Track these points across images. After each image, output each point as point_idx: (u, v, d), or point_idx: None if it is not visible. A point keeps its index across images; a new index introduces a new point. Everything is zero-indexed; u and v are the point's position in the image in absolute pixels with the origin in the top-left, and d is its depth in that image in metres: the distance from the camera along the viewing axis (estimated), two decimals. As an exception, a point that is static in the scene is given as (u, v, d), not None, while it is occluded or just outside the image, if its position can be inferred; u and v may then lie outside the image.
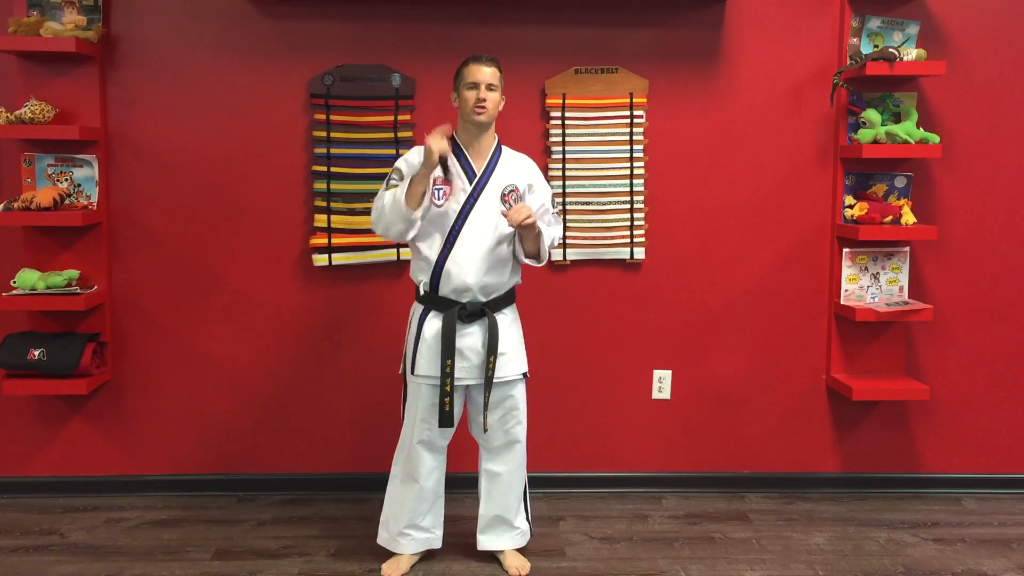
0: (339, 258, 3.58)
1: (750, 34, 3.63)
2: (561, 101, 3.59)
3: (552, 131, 3.61)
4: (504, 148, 3.03)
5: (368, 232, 3.58)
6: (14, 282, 3.41)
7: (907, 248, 3.68)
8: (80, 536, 3.35)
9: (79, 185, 3.51)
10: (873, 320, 3.56)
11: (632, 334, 3.73)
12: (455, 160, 2.96)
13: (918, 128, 3.54)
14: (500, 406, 3.03)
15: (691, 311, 3.73)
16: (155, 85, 3.55)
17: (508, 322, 3.01)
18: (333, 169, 3.54)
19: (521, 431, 3.08)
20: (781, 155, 3.69)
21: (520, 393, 3.06)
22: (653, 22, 3.61)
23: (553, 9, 3.57)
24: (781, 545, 3.33)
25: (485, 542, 3.13)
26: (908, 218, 3.59)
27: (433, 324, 2.94)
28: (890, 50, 3.45)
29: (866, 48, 3.59)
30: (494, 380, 2.95)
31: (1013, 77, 3.68)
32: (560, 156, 3.61)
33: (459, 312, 2.92)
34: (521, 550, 3.16)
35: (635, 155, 3.62)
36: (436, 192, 2.93)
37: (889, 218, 3.57)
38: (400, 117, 3.56)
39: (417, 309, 3.00)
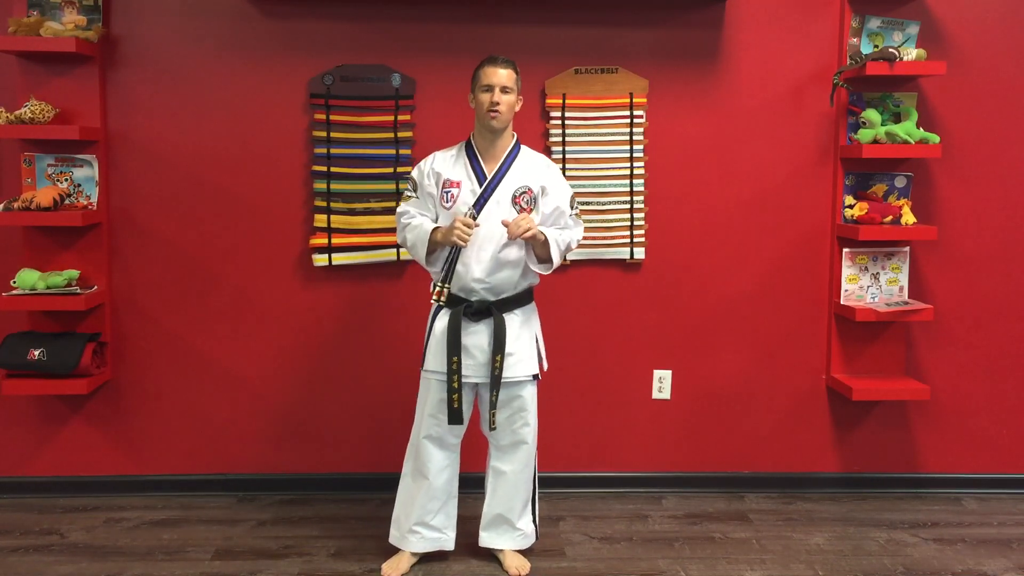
0: (339, 258, 3.58)
1: (750, 34, 3.63)
2: (561, 101, 3.59)
3: (552, 131, 3.61)
4: (524, 149, 3.03)
5: (368, 232, 3.59)
6: (14, 282, 3.41)
7: (907, 248, 3.69)
8: (80, 536, 3.35)
9: (79, 185, 3.51)
10: (873, 320, 3.56)
11: (632, 334, 3.73)
12: (467, 162, 2.97)
13: (918, 128, 3.54)
14: (508, 406, 3.02)
15: (691, 311, 3.73)
16: (155, 85, 3.55)
17: (518, 323, 3.00)
18: (333, 169, 3.54)
19: (528, 433, 3.07)
20: (781, 155, 3.69)
21: (529, 394, 3.05)
22: (653, 22, 3.61)
23: (553, 9, 3.57)
24: (781, 545, 3.33)
25: (486, 539, 3.13)
26: (908, 218, 3.59)
27: (442, 321, 2.97)
28: (890, 50, 3.45)
29: (866, 48, 3.59)
30: (502, 380, 2.95)
31: (1013, 77, 3.68)
32: (560, 156, 3.61)
33: (465, 310, 2.93)
34: (522, 550, 3.16)
35: (635, 155, 3.62)
36: (445, 195, 2.96)
37: (889, 218, 3.57)
38: (400, 117, 3.56)
39: (433, 307, 3.04)
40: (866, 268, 3.67)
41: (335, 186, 3.55)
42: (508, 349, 2.95)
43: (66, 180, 3.51)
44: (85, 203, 3.51)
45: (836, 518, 3.57)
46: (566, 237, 3.00)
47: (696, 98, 3.65)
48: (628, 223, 3.65)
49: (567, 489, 3.76)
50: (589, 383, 3.74)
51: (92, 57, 3.45)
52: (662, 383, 3.76)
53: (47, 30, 3.33)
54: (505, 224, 2.84)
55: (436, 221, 2.98)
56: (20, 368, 3.43)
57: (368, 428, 3.71)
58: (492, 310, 2.94)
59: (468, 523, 3.31)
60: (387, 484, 3.66)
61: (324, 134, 3.54)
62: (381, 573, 3.06)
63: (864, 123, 3.57)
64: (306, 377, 3.69)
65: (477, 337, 2.96)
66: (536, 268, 2.99)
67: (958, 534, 3.45)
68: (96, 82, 3.50)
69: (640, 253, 3.67)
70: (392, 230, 3.58)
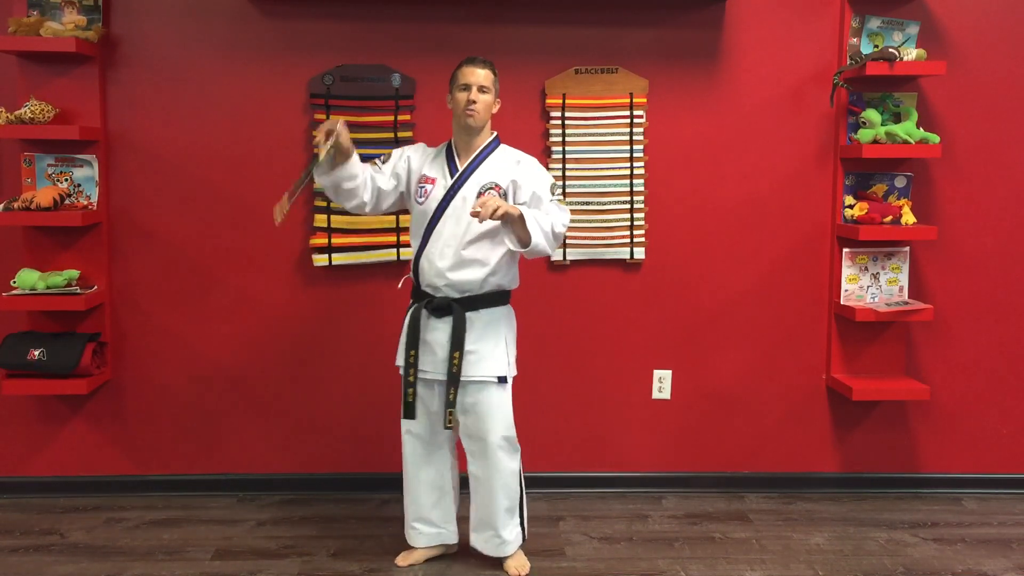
0: (339, 258, 3.58)
1: (750, 34, 3.63)
2: (561, 101, 3.59)
3: (552, 131, 3.61)
4: (502, 147, 3.02)
5: (368, 232, 3.59)
6: (14, 282, 3.41)
7: (907, 248, 3.68)
8: (80, 536, 3.35)
9: (79, 185, 3.51)
10: (873, 320, 3.56)
11: (632, 334, 3.73)
12: (444, 161, 2.99)
13: (918, 128, 3.54)
14: (474, 409, 2.96)
15: (691, 311, 3.73)
16: (155, 85, 3.55)
17: (484, 322, 2.94)
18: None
19: (497, 437, 2.97)
20: (781, 155, 3.69)
21: (496, 397, 2.96)
22: (653, 22, 3.61)
23: (553, 9, 3.57)
24: (781, 545, 3.33)
25: (473, 540, 3.12)
26: (908, 218, 3.59)
27: (409, 316, 3.00)
28: (890, 50, 3.45)
29: (866, 48, 3.59)
30: (460, 378, 2.91)
31: (1013, 77, 3.68)
32: (560, 156, 3.61)
33: (426, 305, 2.94)
34: (522, 549, 3.14)
35: (635, 155, 3.62)
36: (419, 190, 2.98)
37: (889, 218, 3.57)
38: (400, 117, 3.56)
39: (410, 303, 3.05)
40: (866, 268, 3.67)
41: (335, 186, 3.54)
42: (469, 347, 2.91)
43: (66, 180, 3.51)
44: (85, 203, 3.51)
45: (836, 518, 3.57)
46: (551, 220, 2.89)
47: (696, 98, 3.65)
48: (628, 223, 3.65)
49: (567, 489, 3.76)
50: (589, 383, 3.74)
51: (92, 57, 3.45)
52: (662, 383, 3.76)
53: (47, 30, 3.33)
54: (475, 214, 2.75)
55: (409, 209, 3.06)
56: (20, 368, 3.43)
57: (368, 428, 3.71)
58: (453, 307, 2.91)
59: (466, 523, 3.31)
60: (387, 484, 3.67)
61: (324, 134, 3.54)
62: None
63: (864, 123, 3.57)
64: (306, 377, 3.69)
65: (437, 333, 2.94)
66: (520, 250, 2.87)
67: (958, 534, 3.45)
68: (96, 82, 3.50)
69: (640, 253, 3.67)
70: (392, 230, 3.59)
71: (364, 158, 3.53)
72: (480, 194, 2.90)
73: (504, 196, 2.92)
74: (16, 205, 3.33)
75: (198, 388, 3.68)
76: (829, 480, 3.82)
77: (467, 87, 2.90)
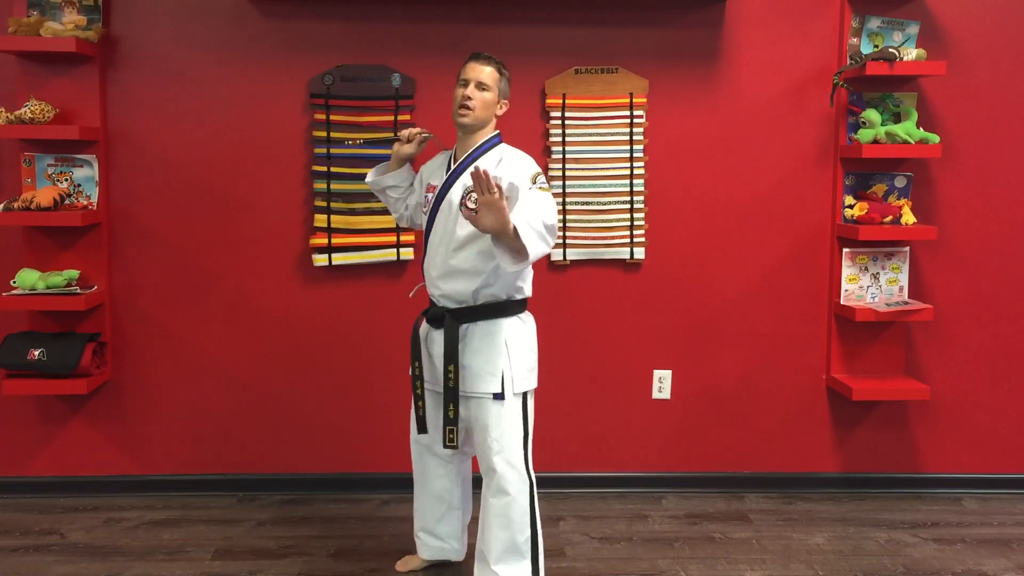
0: (339, 258, 3.58)
1: (750, 34, 3.63)
2: (561, 101, 3.59)
3: (552, 131, 3.61)
4: (499, 147, 2.79)
5: (368, 232, 3.59)
6: (14, 282, 3.41)
7: (907, 248, 3.69)
8: (80, 536, 3.35)
9: (79, 185, 3.51)
10: (873, 320, 3.56)
11: (632, 334, 3.73)
12: (446, 164, 2.87)
13: (918, 128, 3.54)
14: (475, 427, 2.80)
15: (691, 311, 3.73)
16: (155, 85, 3.55)
17: (479, 335, 2.75)
18: (333, 169, 3.54)
19: (496, 458, 2.73)
20: (781, 155, 3.69)
21: (493, 416, 2.74)
22: (653, 22, 3.61)
23: (553, 9, 3.57)
24: (781, 545, 3.33)
25: (476, 567, 2.85)
26: (908, 218, 3.60)
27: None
28: (890, 50, 3.45)
29: (866, 48, 3.59)
30: (459, 393, 2.74)
31: (1013, 77, 3.68)
32: (560, 156, 3.61)
33: (426, 315, 2.84)
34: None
35: (635, 155, 3.62)
36: (425, 199, 2.88)
37: (889, 218, 3.57)
38: (400, 117, 3.56)
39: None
40: (866, 268, 3.67)
41: (335, 186, 3.55)
42: (464, 361, 2.74)
43: (66, 180, 3.51)
44: (85, 203, 3.51)
45: (836, 518, 3.57)
46: (536, 216, 2.52)
47: (696, 98, 3.65)
48: (628, 223, 3.65)
49: (567, 489, 3.76)
50: (589, 383, 3.74)
51: (92, 57, 3.45)
52: (662, 383, 3.76)
53: (47, 30, 3.33)
54: (470, 217, 2.48)
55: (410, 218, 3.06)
56: (20, 368, 3.43)
57: (368, 428, 3.71)
58: (445, 318, 2.75)
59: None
60: (387, 484, 3.68)
61: (324, 134, 3.54)
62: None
63: (864, 123, 3.57)
64: (306, 377, 3.69)
65: (436, 346, 2.80)
66: (513, 267, 2.52)
67: (958, 534, 3.45)
68: (96, 82, 3.50)
69: (640, 253, 3.67)
70: (392, 230, 3.59)
71: (365, 159, 3.56)
72: (463, 199, 2.71)
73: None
74: (16, 205, 3.33)
75: (198, 388, 3.68)
76: (829, 480, 3.82)
77: (465, 82, 2.74)
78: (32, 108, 3.33)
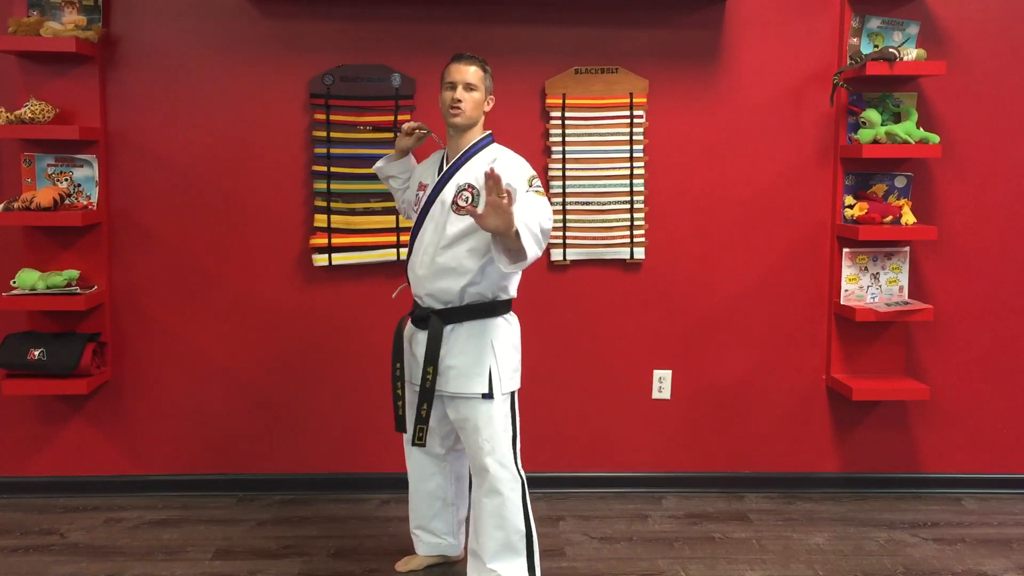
0: (339, 258, 3.58)
1: (750, 34, 3.63)
2: (561, 101, 3.59)
3: (552, 131, 3.61)
4: (492, 147, 2.82)
5: (368, 232, 3.59)
6: (14, 282, 3.41)
7: (907, 248, 3.69)
8: (80, 536, 3.35)
9: (79, 185, 3.51)
10: (873, 320, 3.56)
11: (632, 334, 3.73)
12: (435, 164, 2.91)
13: (918, 128, 3.54)
14: (462, 428, 2.82)
15: (691, 311, 3.73)
16: (155, 85, 3.55)
17: (463, 336, 2.76)
18: (333, 169, 3.54)
19: (487, 459, 2.76)
20: (781, 155, 3.69)
21: (483, 417, 2.76)
22: (653, 22, 3.61)
23: (553, 9, 3.57)
24: (781, 545, 3.33)
25: (469, 569, 2.90)
26: (908, 218, 3.60)
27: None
28: (890, 50, 3.45)
29: (866, 48, 3.59)
30: (442, 394, 2.79)
31: (1013, 77, 3.68)
32: (560, 156, 3.61)
33: (409, 316, 2.87)
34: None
35: (635, 155, 3.62)
36: (416, 198, 2.90)
37: (889, 218, 3.57)
38: (400, 117, 3.56)
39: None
40: (866, 268, 3.67)
41: (335, 186, 3.55)
42: (449, 362, 2.76)
43: (66, 180, 3.51)
44: (85, 203, 3.51)
45: (836, 518, 3.57)
46: (534, 219, 2.56)
47: (696, 98, 3.65)
48: (628, 223, 3.65)
49: (567, 489, 3.76)
50: (589, 383, 3.74)
51: (92, 57, 3.45)
52: (662, 383, 3.76)
53: (47, 30, 3.33)
54: (475, 212, 2.47)
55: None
56: (20, 368, 3.43)
57: (368, 428, 3.71)
58: (430, 318, 2.76)
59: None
60: (387, 484, 3.68)
61: (324, 134, 3.54)
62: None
63: (864, 123, 3.57)
64: (306, 377, 3.69)
65: (420, 346, 2.82)
66: (509, 267, 2.56)
67: (958, 534, 3.45)
68: (96, 82, 3.50)
69: (640, 253, 3.67)
70: (392, 230, 3.59)
71: (365, 159, 3.56)
72: (455, 197, 2.74)
73: (476, 195, 2.72)
74: (16, 205, 3.33)
75: (198, 388, 3.68)
76: (829, 480, 3.82)
77: (452, 85, 2.76)
78: (32, 108, 3.33)
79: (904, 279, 3.70)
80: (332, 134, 3.54)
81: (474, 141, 2.82)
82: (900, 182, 3.66)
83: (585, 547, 3.30)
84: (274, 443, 3.72)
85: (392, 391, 2.90)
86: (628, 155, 3.62)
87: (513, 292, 2.87)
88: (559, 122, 3.60)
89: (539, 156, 3.61)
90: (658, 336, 3.74)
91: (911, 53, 3.48)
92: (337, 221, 3.56)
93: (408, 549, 3.15)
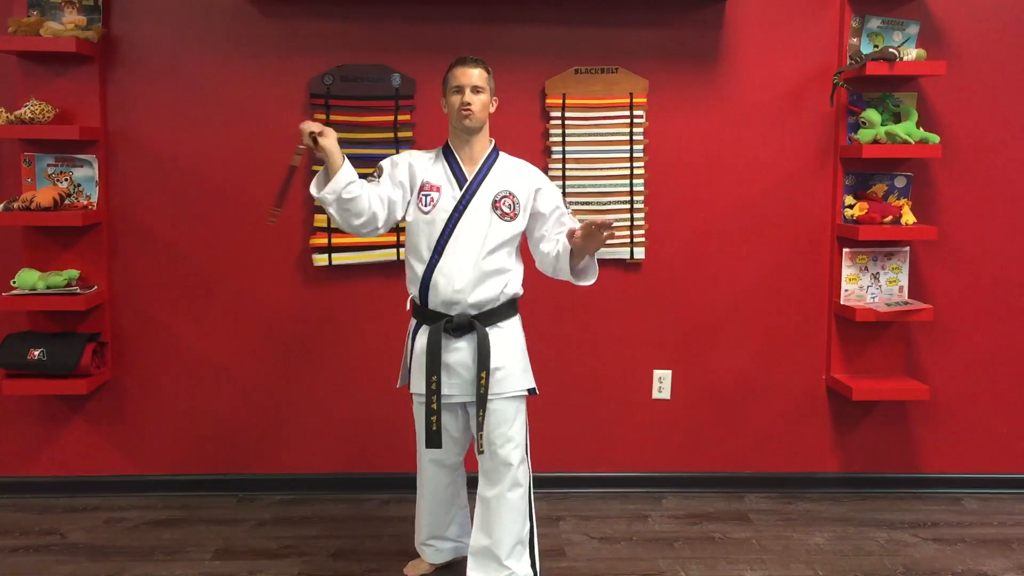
0: (339, 258, 3.58)
1: (750, 34, 3.63)
2: (561, 101, 3.59)
3: (552, 131, 3.61)
4: (502, 154, 2.89)
5: (368, 232, 3.59)
6: (14, 282, 3.41)
7: (907, 248, 3.69)
8: (80, 536, 3.35)
9: (79, 185, 3.51)
10: (873, 320, 3.56)
11: (632, 334, 3.73)
12: (446, 166, 2.83)
13: (918, 128, 3.54)
14: (495, 426, 2.80)
15: (691, 311, 3.73)
16: (155, 85, 3.55)
17: (503, 336, 2.80)
18: (333, 169, 3.54)
19: (515, 453, 2.80)
20: (781, 155, 3.69)
21: (514, 411, 2.81)
22: (653, 22, 3.61)
23: (553, 9, 3.57)
24: (781, 545, 3.33)
25: (471, 568, 2.87)
26: (908, 218, 3.60)
27: (423, 339, 2.79)
28: (890, 50, 3.45)
29: (866, 48, 3.59)
30: (489, 397, 2.76)
31: (1013, 77, 3.68)
32: (560, 156, 3.61)
33: (445, 325, 2.76)
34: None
35: (635, 155, 3.62)
36: (424, 198, 2.81)
37: (889, 218, 3.57)
38: (400, 117, 3.56)
39: (412, 323, 2.88)
40: (866, 268, 3.67)
41: (335, 186, 3.54)
42: (495, 364, 2.76)
43: (66, 180, 3.51)
44: (85, 203, 3.51)
45: (836, 518, 3.57)
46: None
47: (696, 98, 3.65)
48: (628, 223, 3.65)
49: (567, 489, 3.76)
50: (589, 383, 3.74)
51: (92, 57, 3.45)
52: (662, 383, 3.76)
53: (47, 30, 3.33)
54: (574, 236, 2.70)
55: (406, 217, 2.84)
56: (20, 368, 3.43)
57: (368, 428, 3.71)
58: (475, 324, 2.75)
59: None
60: (387, 484, 3.68)
61: (324, 134, 3.54)
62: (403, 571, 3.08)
63: (864, 123, 3.57)
64: (306, 377, 3.69)
65: (460, 354, 2.77)
66: (580, 281, 2.82)
67: (958, 534, 3.45)
68: (96, 82, 3.50)
69: (640, 253, 3.67)
70: (392, 230, 3.57)
71: (365, 159, 3.55)
72: (495, 203, 2.78)
73: (517, 204, 2.81)
74: (16, 205, 3.33)
75: (198, 388, 3.68)
76: (829, 480, 3.82)
77: (460, 89, 2.76)
78: (32, 108, 3.33)
79: (904, 279, 3.70)
80: (332, 134, 3.53)
81: (491, 146, 2.88)
82: (900, 182, 3.66)
83: (585, 547, 3.30)
84: (274, 443, 3.72)
85: (426, 407, 2.78)
86: (628, 155, 3.62)
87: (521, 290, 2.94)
88: (559, 122, 3.60)
89: (539, 156, 3.61)
90: (658, 336, 3.74)
91: (911, 53, 3.48)
92: (337, 221, 3.56)
93: (408, 548, 3.15)
